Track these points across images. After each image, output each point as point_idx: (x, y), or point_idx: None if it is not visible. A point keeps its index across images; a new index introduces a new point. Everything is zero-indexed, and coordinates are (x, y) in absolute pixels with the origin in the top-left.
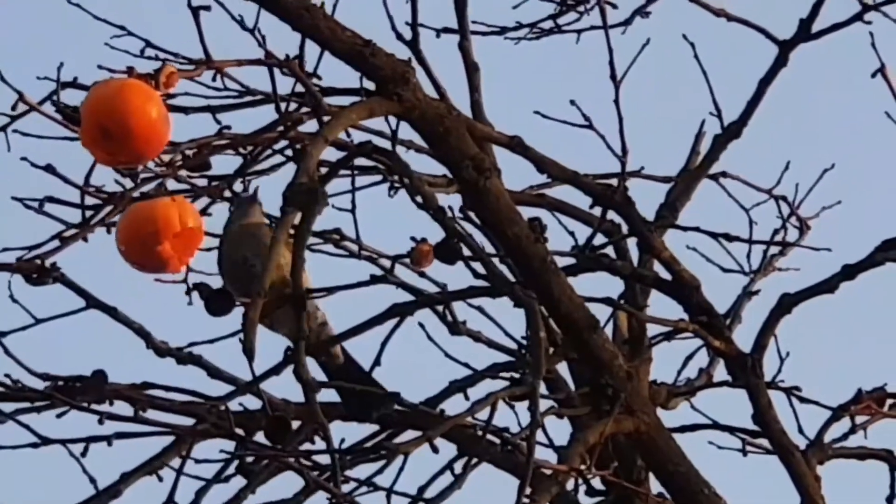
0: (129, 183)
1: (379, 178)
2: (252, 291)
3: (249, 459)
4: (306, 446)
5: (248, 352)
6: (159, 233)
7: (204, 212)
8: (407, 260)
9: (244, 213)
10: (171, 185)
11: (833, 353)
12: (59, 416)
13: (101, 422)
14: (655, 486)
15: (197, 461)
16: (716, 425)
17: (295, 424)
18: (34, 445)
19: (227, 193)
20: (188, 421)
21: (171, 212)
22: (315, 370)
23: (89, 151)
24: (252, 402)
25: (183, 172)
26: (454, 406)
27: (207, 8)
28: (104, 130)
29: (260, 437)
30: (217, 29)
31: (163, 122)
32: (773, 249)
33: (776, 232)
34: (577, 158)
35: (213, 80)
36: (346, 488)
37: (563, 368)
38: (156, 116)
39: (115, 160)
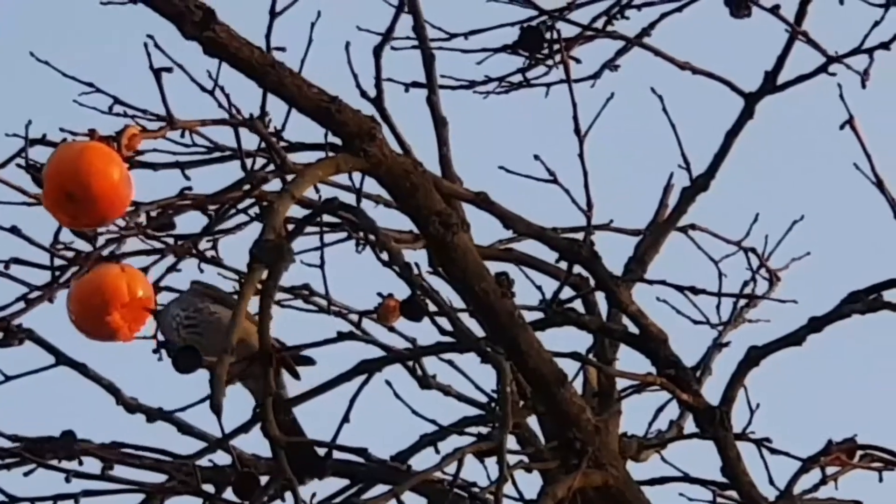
0: (96, 243)
1: (346, 234)
2: (220, 348)
3: None
4: (276, 502)
5: (216, 408)
6: (108, 303)
7: (172, 269)
8: (375, 315)
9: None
10: (137, 244)
11: (804, 405)
12: (26, 474)
13: (68, 480)
14: None
15: None
16: (686, 478)
17: (264, 481)
18: None
19: (194, 251)
20: (158, 477)
21: (120, 282)
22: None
23: (51, 214)
24: (222, 458)
25: (148, 232)
26: (425, 460)
27: (169, 70)
28: (66, 193)
29: (230, 493)
30: (186, 83)
31: (125, 184)
32: (742, 301)
33: (745, 284)
34: (547, 212)
35: (182, 136)
36: None
37: (533, 422)
38: (118, 179)
39: (78, 222)
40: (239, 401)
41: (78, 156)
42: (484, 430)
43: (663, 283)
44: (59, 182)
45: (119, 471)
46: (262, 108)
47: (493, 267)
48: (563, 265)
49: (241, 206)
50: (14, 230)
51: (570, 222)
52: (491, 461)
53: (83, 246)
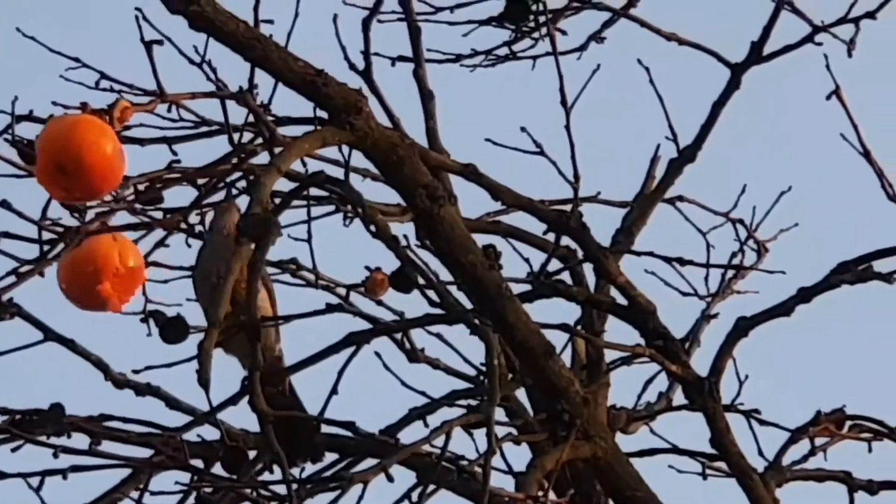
0: (84, 217)
1: (334, 207)
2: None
3: (207, 490)
4: (265, 476)
5: (204, 382)
6: (99, 272)
7: (161, 243)
8: (363, 289)
9: (221, 224)
10: (126, 218)
11: (793, 376)
12: (14, 449)
13: (56, 455)
14: None
15: (153, 493)
16: (675, 449)
17: (252, 455)
18: None
19: (183, 225)
20: (145, 452)
21: (111, 251)
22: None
23: (45, 188)
24: (210, 433)
25: (137, 206)
26: (415, 434)
27: (160, 43)
28: (59, 167)
29: (218, 468)
30: (172, 58)
31: (118, 157)
32: (731, 273)
33: (734, 255)
34: (534, 185)
35: (168, 111)
36: None
37: (522, 395)
38: (111, 152)
39: (71, 196)
40: (228, 373)
41: (70, 129)
42: (473, 402)
43: (651, 254)
44: (51, 155)
45: (107, 446)
46: (251, 82)
47: (481, 240)
48: (551, 237)
49: (228, 179)
50: (4, 204)
51: (557, 195)
52: (479, 434)
53: (72, 221)
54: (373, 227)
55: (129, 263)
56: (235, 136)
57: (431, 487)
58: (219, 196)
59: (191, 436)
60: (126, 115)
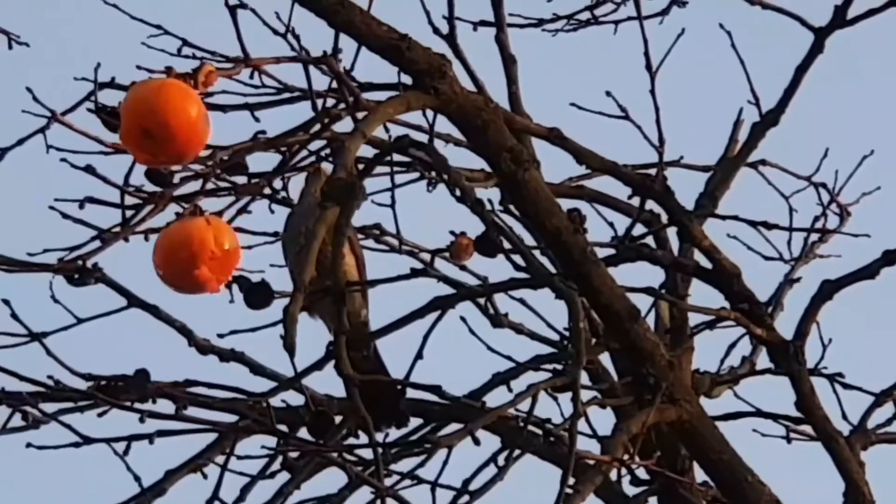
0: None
1: (417, 174)
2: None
3: (293, 455)
4: (350, 441)
5: (289, 347)
6: (196, 257)
7: (244, 209)
8: (447, 254)
9: (311, 188)
10: (211, 184)
11: (876, 339)
12: (100, 415)
13: (142, 420)
14: (700, 474)
15: (239, 458)
16: (759, 413)
17: (338, 420)
18: (76, 445)
19: (267, 191)
20: (230, 418)
21: (206, 234)
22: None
23: (130, 151)
24: (295, 398)
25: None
26: (498, 399)
27: (244, 6)
28: (144, 130)
29: (303, 433)
30: (252, 26)
31: (202, 121)
32: (814, 236)
33: (816, 219)
34: (615, 150)
35: (251, 77)
36: (390, 482)
37: (606, 359)
38: (195, 116)
39: (156, 160)
40: (312, 339)
41: (155, 93)
42: (557, 367)
43: (735, 218)
44: (136, 119)
45: (192, 412)
46: (335, 47)
47: (565, 204)
48: (635, 202)
49: (312, 145)
50: (88, 169)
51: (638, 159)
52: (564, 398)
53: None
54: (457, 191)
55: (225, 246)
56: (318, 103)
57: (517, 452)
58: (302, 162)
59: (275, 401)
60: (210, 79)
